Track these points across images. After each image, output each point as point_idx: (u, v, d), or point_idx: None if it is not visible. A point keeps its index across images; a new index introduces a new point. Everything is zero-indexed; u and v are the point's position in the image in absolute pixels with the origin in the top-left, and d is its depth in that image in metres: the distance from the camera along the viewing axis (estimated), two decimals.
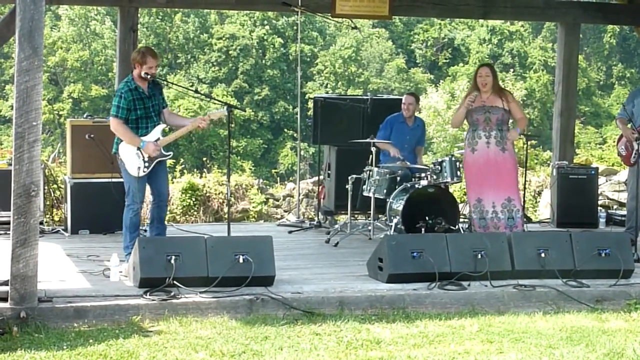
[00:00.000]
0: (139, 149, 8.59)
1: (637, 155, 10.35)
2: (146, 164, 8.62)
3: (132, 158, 8.63)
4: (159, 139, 8.70)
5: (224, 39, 48.75)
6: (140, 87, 8.69)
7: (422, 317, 7.52)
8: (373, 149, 10.75)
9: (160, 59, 46.41)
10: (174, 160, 19.10)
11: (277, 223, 12.87)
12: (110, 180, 10.01)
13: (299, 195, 13.51)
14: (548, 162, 17.63)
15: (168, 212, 14.00)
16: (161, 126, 8.78)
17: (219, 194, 14.60)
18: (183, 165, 18.27)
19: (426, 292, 7.96)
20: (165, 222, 9.12)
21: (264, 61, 48.82)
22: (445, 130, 34.40)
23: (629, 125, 10.62)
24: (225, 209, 12.94)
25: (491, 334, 7.02)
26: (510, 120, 10.03)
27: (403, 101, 11.63)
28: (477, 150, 9.72)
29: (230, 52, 48.46)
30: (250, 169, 21.11)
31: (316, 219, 12.28)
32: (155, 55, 8.79)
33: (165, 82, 8.91)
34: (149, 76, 8.65)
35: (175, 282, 7.56)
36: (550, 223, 12.58)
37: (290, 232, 11.50)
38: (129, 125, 8.64)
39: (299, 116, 13.27)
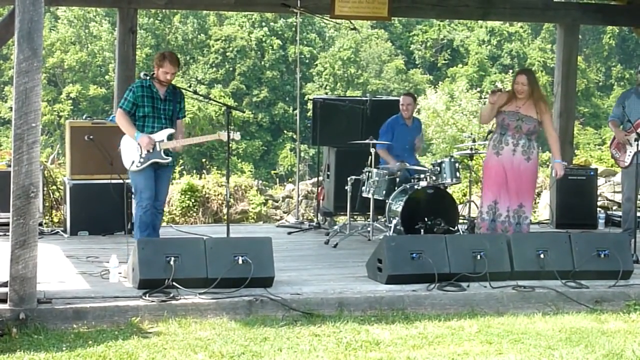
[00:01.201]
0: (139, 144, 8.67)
1: (630, 157, 10.41)
2: (141, 159, 8.69)
3: (130, 151, 8.73)
4: (163, 140, 8.75)
5: (223, 40, 48.73)
6: (154, 87, 8.78)
7: (422, 318, 7.52)
8: (372, 150, 10.75)
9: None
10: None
11: (276, 224, 12.87)
12: (109, 181, 10.01)
13: (298, 197, 13.52)
14: (547, 163, 17.61)
15: (167, 214, 14.06)
16: (169, 130, 8.81)
17: (218, 195, 14.61)
18: (182, 167, 18.28)
19: (425, 293, 7.96)
20: (159, 232, 9.08)
21: (263, 62, 48.82)
22: (444, 131, 34.39)
23: (620, 127, 10.65)
24: (225, 210, 12.94)
25: (490, 335, 7.02)
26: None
27: (401, 102, 11.61)
28: (501, 155, 9.53)
29: (229, 53, 48.47)
30: (250, 171, 21.11)
31: (315, 220, 12.29)
32: (175, 62, 8.83)
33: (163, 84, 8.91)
34: (148, 77, 8.72)
35: (174, 283, 7.56)
36: (549, 224, 12.59)
37: (289, 233, 11.50)
38: (136, 122, 8.73)
39: (298, 117, 13.29)
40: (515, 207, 9.56)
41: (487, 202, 9.64)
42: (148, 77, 8.74)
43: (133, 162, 8.70)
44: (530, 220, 9.88)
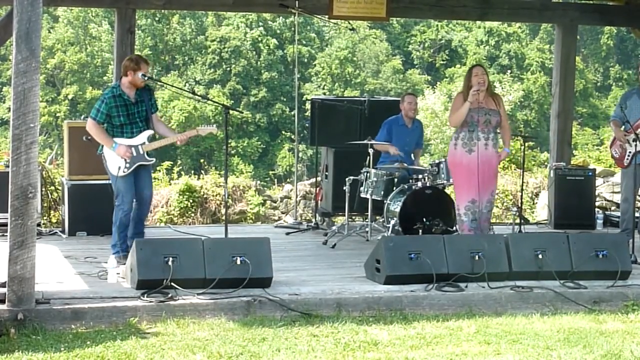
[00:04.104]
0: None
1: (629, 157, 10.44)
2: (127, 164, 8.83)
3: (114, 157, 8.85)
4: (144, 143, 8.89)
5: (218, 41, 48.70)
6: (125, 94, 8.88)
7: (420, 318, 7.53)
8: (370, 151, 10.73)
9: (153, 62, 46.50)
10: (172, 162, 19.11)
11: (274, 224, 12.87)
12: (107, 182, 10.00)
13: (297, 197, 13.51)
14: (545, 163, 17.62)
15: (165, 214, 14.06)
16: (148, 132, 8.97)
17: (216, 195, 14.60)
18: (180, 167, 18.24)
19: (424, 294, 7.96)
20: (145, 223, 9.38)
21: (259, 63, 48.77)
22: (442, 132, 34.42)
23: (622, 128, 10.67)
24: (223, 211, 12.93)
25: (488, 335, 7.02)
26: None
27: (408, 101, 11.45)
28: (474, 152, 9.50)
29: (227, 54, 48.43)
30: (248, 171, 21.08)
31: (314, 220, 12.29)
32: (148, 63, 9.02)
33: (161, 84, 9.05)
34: (146, 78, 8.79)
35: (172, 283, 7.56)
36: (547, 224, 12.59)
37: (287, 233, 11.50)
38: (114, 130, 8.87)
39: (296, 118, 13.29)
40: (488, 197, 9.61)
41: (463, 202, 9.60)
42: (146, 78, 8.84)
43: (119, 167, 8.83)
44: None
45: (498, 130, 9.68)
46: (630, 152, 10.47)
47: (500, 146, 9.74)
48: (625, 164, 10.60)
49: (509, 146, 9.94)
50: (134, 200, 9.04)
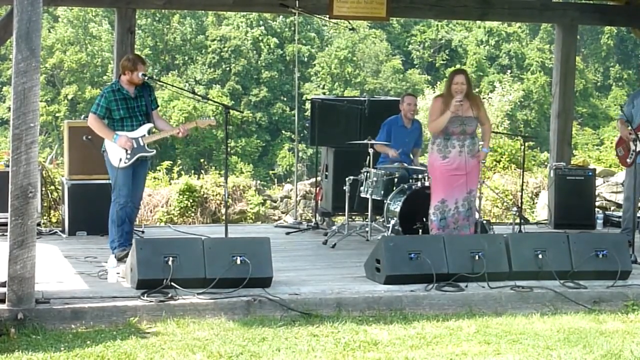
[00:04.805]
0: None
1: (633, 156, 10.46)
2: (128, 156, 8.95)
3: (115, 149, 8.96)
4: (144, 135, 9.03)
5: (221, 41, 48.71)
6: (124, 89, 9.04)
7: (420, 318, 7.53)
8: (370, 150, 10.73)
9: (153, 62, 46.47)
10: (172, 162, 19.10)
11: (274, 224, 12.86)
12: (107, 181, 10.00)
13: (297, 197, 13.50)
14: (545, 163, 17.62)
15: (166, 214, 14.06)
16: (148, 125, 9.11)
17: (216, 195, 14.60)
18: (180, 167, 18.22)
19: (424, 294, 7.96)
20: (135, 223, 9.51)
21: (259, 62, 48.76)
22: None
23: (628, 127, 10.68)
24: (223, 210, 12.93)
25: (488, 335, 7.03)
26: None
27: (407, 102, 11.43)
28: (448, 158, 9.55)
29: (228, 54, 48.43)
30: (248, 171, 21.06)
31: (314, 220, 12.28)
32: (145, 62, 9.17)
33: (161, 83, 9.21)
34: (146, 77, 8.90)
35: (172, 283, 7.56)
36: (547, 224, 12.59)
37: (287, 233, 11.50)
38: (115, 124, 9.00)
39: (296, 117, 13.29)
40: (464, 195, 9.59)
41: (434, 202, 9.65)
42: (146, 77, 8.93)
43: (121, 159, 8.94)
44: (477, 196, 9.98)
45: (474, 136, 9.68)
46: (633, 152, 10.50)
47: (479, 147, 9.74)
48: (629, 163, 10.63)
49: (488, 146, 9.94)
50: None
